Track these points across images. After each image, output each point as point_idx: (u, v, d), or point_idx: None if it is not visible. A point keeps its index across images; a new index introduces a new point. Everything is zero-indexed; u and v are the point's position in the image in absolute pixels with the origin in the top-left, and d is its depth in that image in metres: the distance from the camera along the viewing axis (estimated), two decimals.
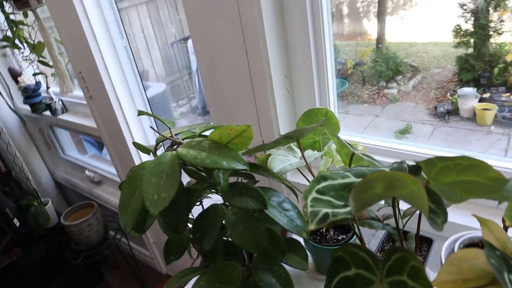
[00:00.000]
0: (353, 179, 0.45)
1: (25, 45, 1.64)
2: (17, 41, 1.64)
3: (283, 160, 0.68)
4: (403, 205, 0.70)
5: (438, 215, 0.41)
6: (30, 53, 1.67)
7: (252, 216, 0.51)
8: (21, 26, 1.60)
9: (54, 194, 2.39)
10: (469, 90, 1.63)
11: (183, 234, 0.54)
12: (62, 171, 2.35)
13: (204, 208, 0.58)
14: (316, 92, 0.95)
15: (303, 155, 0.56)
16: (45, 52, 1.60)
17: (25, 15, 1.56)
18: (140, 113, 0.60)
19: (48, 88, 1.81)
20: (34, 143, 2.24)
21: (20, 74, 1.81)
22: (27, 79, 1.81)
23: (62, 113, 1.86)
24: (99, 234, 1.85)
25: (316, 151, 0.73)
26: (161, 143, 0.62)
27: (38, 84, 1.84)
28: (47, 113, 1.90)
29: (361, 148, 0.84)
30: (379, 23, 2.10)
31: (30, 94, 1.82)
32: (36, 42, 1.61)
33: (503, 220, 0.55)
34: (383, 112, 2.05)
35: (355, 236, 0.76)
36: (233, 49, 0.92)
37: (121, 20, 1.38)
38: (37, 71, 1.77)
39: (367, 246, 0.43)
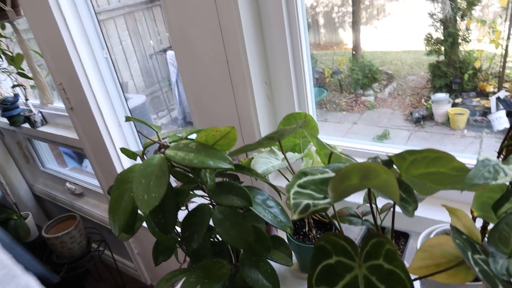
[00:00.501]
0: (331, 174, 0.48)
1: (3, 57, 1.63)
2: None
3: (265, 162, 0.71)
4: (380, 202, 0.74)
5: (409, 203, 0.45)
6: (8, 65, 1.65)
7: (238, 214, 0.54)
8: None
9: (34, 207, 2.35)
10: (442, 95, 1.70)
11: (171, 233, 0.56)
12: (42, 184, 2.31)
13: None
14: (295, 98, 0.99)
15: (284, 155, 0.59)
16: (24, 64, 1.59)
17: (3, 27, 1.55)
18: (128, 119, 0.63)
19: (27, 100, 1.80)
20: (12, 157, 2.21)
21: None
22: (5, 91, 1.79)
23: (42, 125, 1.85)
24: (81, 246, 1.82)
25: (296, 153, 0.77)
26: (147, 149, 0.64)
27: (16, 96, 1.82)
28: (26, 125, 1.88)
29: (340, 150, 0.88)
30: (354, 33, 2.17)
31: (8, 106, 1.80)
32: (14, 54, 1.60)
33: (472, 211, 0.59)
34: (361, 119, 2.10)
35: None
36: (214, 58, 0.95)
37: (101, 31, 1.40)
38: (15, 83, 1.76)
39: None
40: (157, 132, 0.60)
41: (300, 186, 0.45)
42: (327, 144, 0.64)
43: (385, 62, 2.17)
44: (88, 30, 1.35)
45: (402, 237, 0.76)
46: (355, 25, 2.19)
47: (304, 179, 0.46)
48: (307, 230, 0.82)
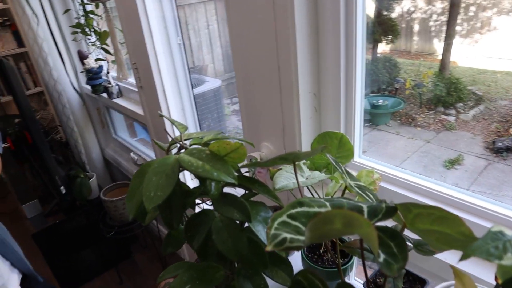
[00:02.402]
0: (329, 209, 0.47)
1: (93, 32, 1.80)
2: (86, 29, 1.81)
3: (288, 177, 0.71)
4: None
5: (397, 260, 0.42)
6: (96, 40, 1.83)
7: (237, 225, 0.55)
8: (91, 16, 1.76)
9: (101, 169, 2.58)
10: None
11: (176, 229, 0.59)
12: (111, 149, 2.53)
13: None
14: (342, 113, 0.96)
15: (296, 176, 0.59)
16: (109, 41, 1.75)
17: (97, 6, 1.71)
18: (160, 115, 0.66)
19: (108, 73, 1.97)
20: (91, 121, 2.45)
21: (86, 57, 1.99)
22: (92, 62, 1.98)
23: (117, 97, 2.02)
24: None
25: (323, 174, 0.75)
26: (175, 144, 0.68)
27: (100, 68, 2.01)
28: (105, 95, 2.06)
29: (376, 176, 0.85)
30: (445, 46, 2.02)
31: (92, 76, 1.99)
32: (102, 31, 1.76)
33: (496, 278, 0.54)
34: (436, 139, 1.97)
35: (352, 261, 0.77)
36: (267, 63, 0.96)
37: (179, 18, 1.47)
38: (100, 56, 1.93)
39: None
40: (181, 133, 0.62)
41: (290, 216, 0.45)
42: (348, 173, 0.62)
43: (477, 82, 1.99)
44: (166, 15, 1.43)
45: (418, 283, 0.71)
46: (448, 38, 2.04)
47: (298, 209, 0.46)
48: (322, 252, 0.80)
